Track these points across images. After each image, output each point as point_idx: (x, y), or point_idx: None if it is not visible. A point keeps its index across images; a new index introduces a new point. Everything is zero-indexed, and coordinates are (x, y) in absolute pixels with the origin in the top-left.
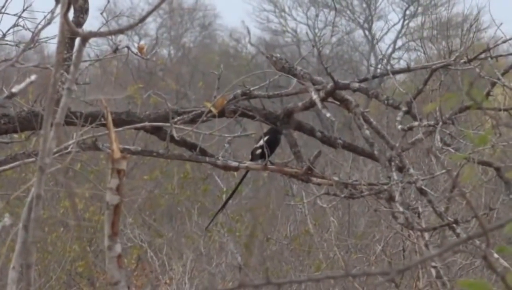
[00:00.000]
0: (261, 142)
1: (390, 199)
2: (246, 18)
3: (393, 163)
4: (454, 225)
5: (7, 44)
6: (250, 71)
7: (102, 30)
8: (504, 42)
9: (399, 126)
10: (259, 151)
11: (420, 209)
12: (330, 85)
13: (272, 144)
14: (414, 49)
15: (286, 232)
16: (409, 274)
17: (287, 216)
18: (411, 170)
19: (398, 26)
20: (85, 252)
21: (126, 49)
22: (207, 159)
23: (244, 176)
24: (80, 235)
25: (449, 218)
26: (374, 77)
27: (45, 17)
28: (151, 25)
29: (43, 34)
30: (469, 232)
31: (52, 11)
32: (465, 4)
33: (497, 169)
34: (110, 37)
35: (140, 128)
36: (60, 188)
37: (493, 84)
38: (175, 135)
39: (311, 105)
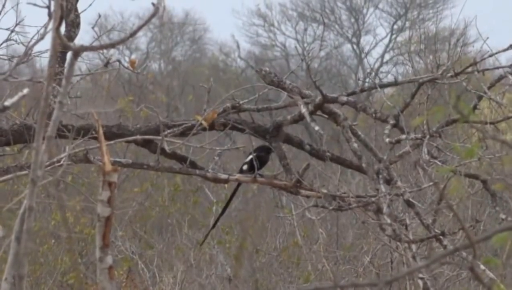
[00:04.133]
0: (250, 157)
1: (378, 211)
2: (235, 32)
3: (380, 176)
4: (441, 237)
5: (0, 58)
6: (239, 85)
7: (93, 44)
8: (490, 56)
9: (387, 139)
10: (245, 166)
11: (408, 221)
12: (318, 98)
13: (261, 161)
14: (401, 63)
15: (275, 243)
16: (397, 285)
17: (276, 228)
18: (399, 183)
19: (386, 40)
20: (76, 264)
21: (117, 63)
22: (197, 171)
23: (235, 191)
24: (71, 247)
25: (436, 230)
26: (362, 90)
27: (38, 31)
28: (142, 39)
29: (36, 48)
30: (456, 244)
31: (45, 26)
32: (452, 18)
33: (484, 182)
34: (101, 51)
35: (131, 141)
36: (51, 200)
37: (480, 98)
38: (166, 148)
39: (300, 118)
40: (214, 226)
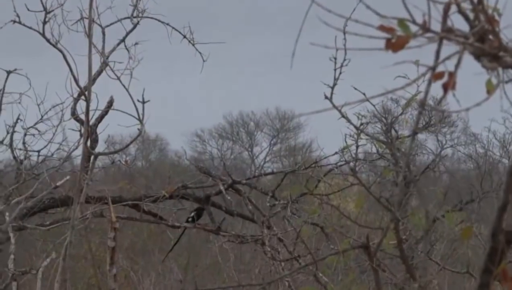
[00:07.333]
0: (192, 213)
1: (263, 243)
2: (184, 145)
3: (264, 224)
4: (298, 257)
5: (54, 159)
6: (186, 174)
7: (105, 151)
8: (325, 158)
9: (268, 204)
10: (190, 219)
11: (279, 249)
12: (230, 181)
13: (198, 216)
14: (269, 161)
15: (206, 261)
16: (274, 284)
17: (207, 253)
18: (274, 228)
19: (267, 149)
20: (96, 272)
21: (118, 162)
22: (163, 221)
23: (183, 232)
24: (94, 263)
25: (295, 254)
26: (254, 177)
27: (74, 144)
28: (132, 149)
29: (74, 153)
30: (306, 261)
31: (78, 141)
32: (304, 136)
33: (321, 227)
34: (110, 155)
35: (126, 205)
36: (83, 237)
37: (319, 181)
38: (145, 208)
39: (220, 192)
40: (170, 250)
